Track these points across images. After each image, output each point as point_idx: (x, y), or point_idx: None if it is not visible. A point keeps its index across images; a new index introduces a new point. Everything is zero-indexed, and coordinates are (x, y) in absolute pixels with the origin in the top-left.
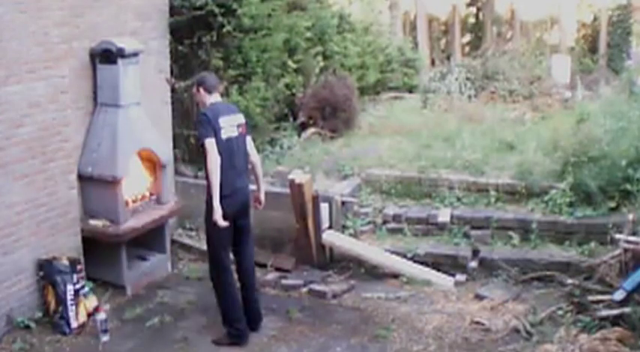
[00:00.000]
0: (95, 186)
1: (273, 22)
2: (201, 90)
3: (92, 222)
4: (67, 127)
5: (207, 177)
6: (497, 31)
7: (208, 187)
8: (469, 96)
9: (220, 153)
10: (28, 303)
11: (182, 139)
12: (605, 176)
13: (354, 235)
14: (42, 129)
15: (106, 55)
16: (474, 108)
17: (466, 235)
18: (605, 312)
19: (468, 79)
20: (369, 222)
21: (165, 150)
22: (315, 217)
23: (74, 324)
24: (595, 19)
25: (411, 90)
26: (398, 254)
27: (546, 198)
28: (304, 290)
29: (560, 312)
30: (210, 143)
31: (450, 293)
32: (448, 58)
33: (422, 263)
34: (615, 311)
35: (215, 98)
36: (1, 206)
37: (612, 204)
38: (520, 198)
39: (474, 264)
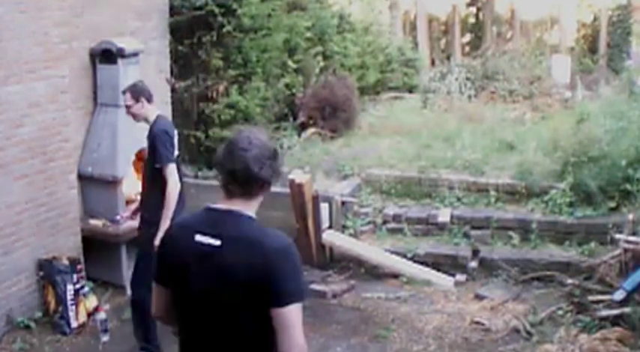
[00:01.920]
0: (95, 186)
1: (273, 22)
2: (143, 100)
3: (92, 221)
4: (67, 127)
5: (155, 205)
6: (497, 31)
7: (152, 213)
8: (469, 96)
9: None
10: (28, 303)
11: (182, 139)
12: (605, 176)
13: (354, 235)
14: (42, 129)
15: (106, 55)
16: (473, 108)
17: (466, 235)
18: (605, 312)
19: (468, 79)
20: (369, 222)
21: None
22: (315, 217)
23: (74, 324)
24: (595, 19)
25: (411, 90)
26: (398, 254)
27: (546, 198)
28: None
29: (560, 312)
30: (174, 168)
31: (450, 293)
32: (448, 58)
33: (422, 263)
34: (615, 311)
35: (155, 109)
36: (1, 206)
37: (612, 204)
38: (520, 198)
39: (474, 264)
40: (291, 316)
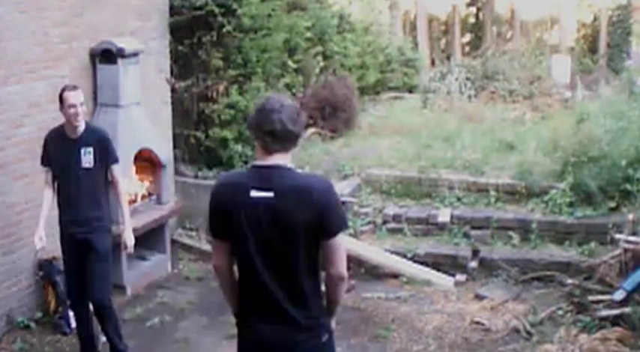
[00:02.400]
0: None
1: (273, 22)
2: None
3: None
4: None
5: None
6: (497, 31)
7: (104, 213)
8: (469, 96)
9: None
10: (28, 303)
11: (182, 139)
12: (605, 176)
13: (354, 235)
14: (42, 129)
15: (106, 55)
16: (473, 108)
17: (466, 235)
18: (605, 312)
19: (468, 79)
20: (369, 222)
21: (165, 150)
22: None
23: (74, 324)
24: (595, 19)
25: (411, 90)
26: (398, 254)
27: (546, 198)
28: None
29: (560, 312)
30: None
31: (450, 293)
32: (448, 58)
33: (422, 263)
34: (615, 311)
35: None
36: (1, 206)
37: (612, 204)
38: (520, 198)
39: (474, 264)
40: (340, 241)
